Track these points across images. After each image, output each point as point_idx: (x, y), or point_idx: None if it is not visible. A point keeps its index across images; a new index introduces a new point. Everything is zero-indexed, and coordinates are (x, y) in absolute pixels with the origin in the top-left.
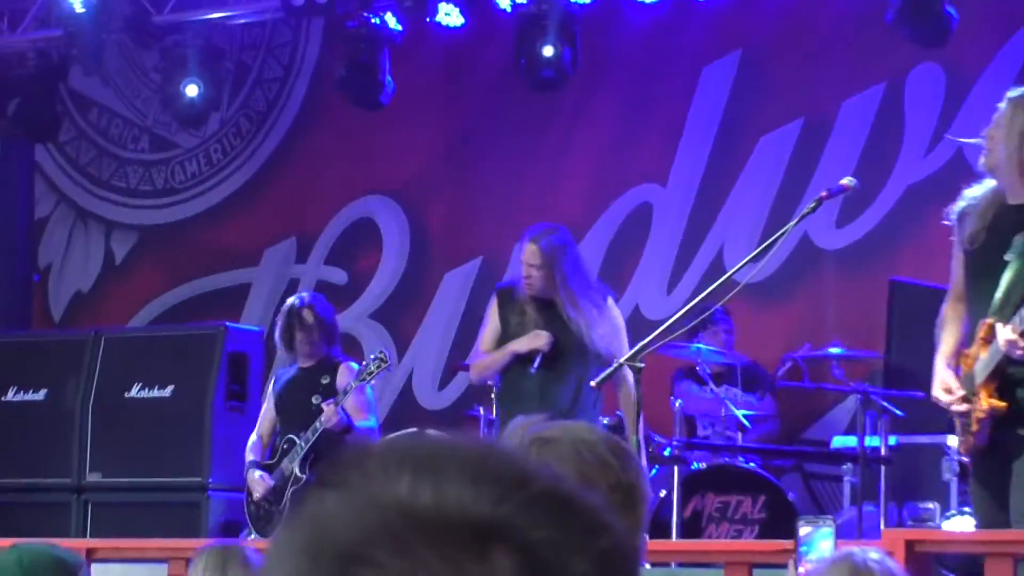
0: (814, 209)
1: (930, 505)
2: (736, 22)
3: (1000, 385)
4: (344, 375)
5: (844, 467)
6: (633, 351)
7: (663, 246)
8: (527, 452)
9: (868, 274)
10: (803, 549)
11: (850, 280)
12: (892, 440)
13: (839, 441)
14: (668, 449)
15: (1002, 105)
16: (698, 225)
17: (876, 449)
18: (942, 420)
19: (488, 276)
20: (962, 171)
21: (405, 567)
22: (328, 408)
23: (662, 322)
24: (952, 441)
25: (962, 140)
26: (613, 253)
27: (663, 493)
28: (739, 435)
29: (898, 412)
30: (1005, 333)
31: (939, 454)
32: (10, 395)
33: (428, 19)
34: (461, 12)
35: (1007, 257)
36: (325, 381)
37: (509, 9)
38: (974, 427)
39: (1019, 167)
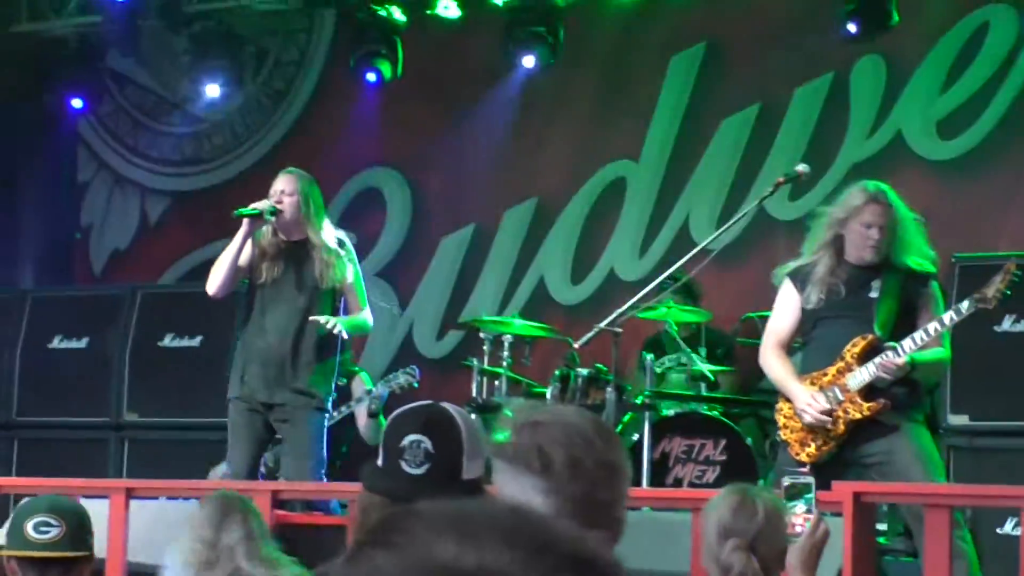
0: (772, 193)
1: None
2: (700, 16)
3: (867, 393)
4: (358, 385)
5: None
6: (612, 317)
7: (636, 215)
8: (521, 434)
9: None
10: (788, 503)
11: (801, 247)
12: None
13: None
14: (640, 398)
15: (882, 206)
16: (667, 197)
17: None
18: None
19: (479, 241)
20: (900, 152)
21: None
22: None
23: (635, 283)
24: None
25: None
26: (591, 221)
27: (635, 437)
28: (703, 386)
29: None
30: (894, 358)
31: None
32: (55, 343)
33: (428, 11)
34: (458, 5)
35: (873, 295)
36: (342, 382)
37: (501, 3)
38: (840, 430)
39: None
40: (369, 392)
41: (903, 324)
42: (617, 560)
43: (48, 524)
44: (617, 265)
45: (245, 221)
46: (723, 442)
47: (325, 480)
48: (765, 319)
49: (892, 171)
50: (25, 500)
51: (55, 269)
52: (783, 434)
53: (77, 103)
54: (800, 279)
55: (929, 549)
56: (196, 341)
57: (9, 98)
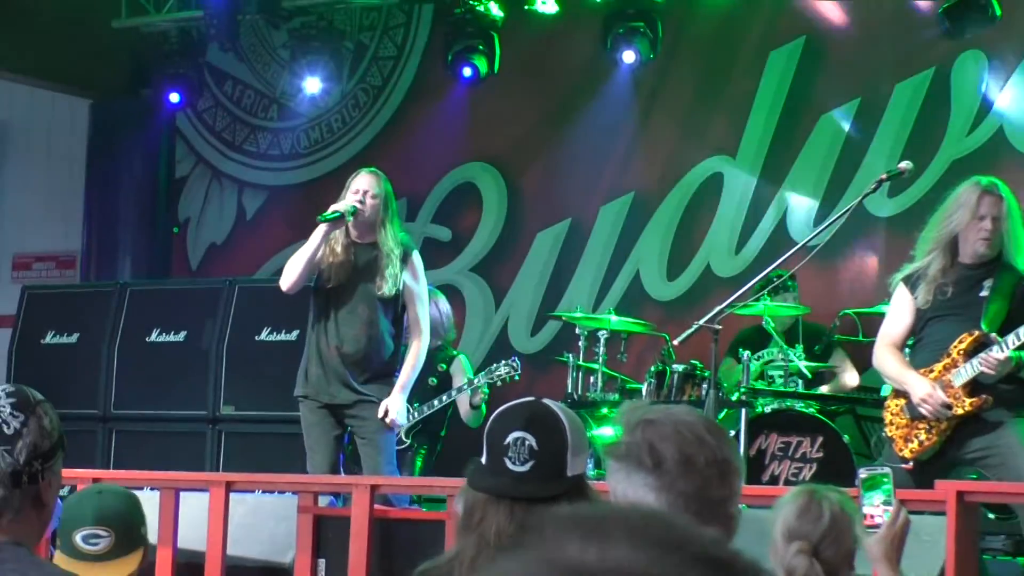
0: (875, 189)
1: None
2: (799, 11)
3: (972, 389)
4: (457, 369)
5: None
6: (712, 313)
7: (732, 211)
8: (634, 432)
9: (916, 239)
10: (865, 495)
11: (900, 244)
12: None
13: (888, 388)
14: (736, 394)
15: (995, 198)
16: (764, 193)
17: None
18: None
19: (575, 236)
20: (1003, 147)
21: None
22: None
23: (731, 279)
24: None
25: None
26: (687, 217)
27: (731, 433)
28: (800, 383)
29: None
30: (996, 353)
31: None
32: (153, 336)
33: (526, 6)
34: (555, 0)
35: (983, 294)
36: (442, 368)
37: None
38: (944, 425)
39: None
40: (471, 381)
41: (1013, 322)
42: (756, 562)
43: (96, 536)
44: (713, 261)
45: (321, 217)
46: (820, 439)
47: (399, 474)
48: (862, 315)
49: (993, 167)
50: (69, 503)
51: (153, 263)
52: (888, 430)
53: (175, 98)
54: (913, 282)
55: None
56: (293, 335)
57: (109, 93)
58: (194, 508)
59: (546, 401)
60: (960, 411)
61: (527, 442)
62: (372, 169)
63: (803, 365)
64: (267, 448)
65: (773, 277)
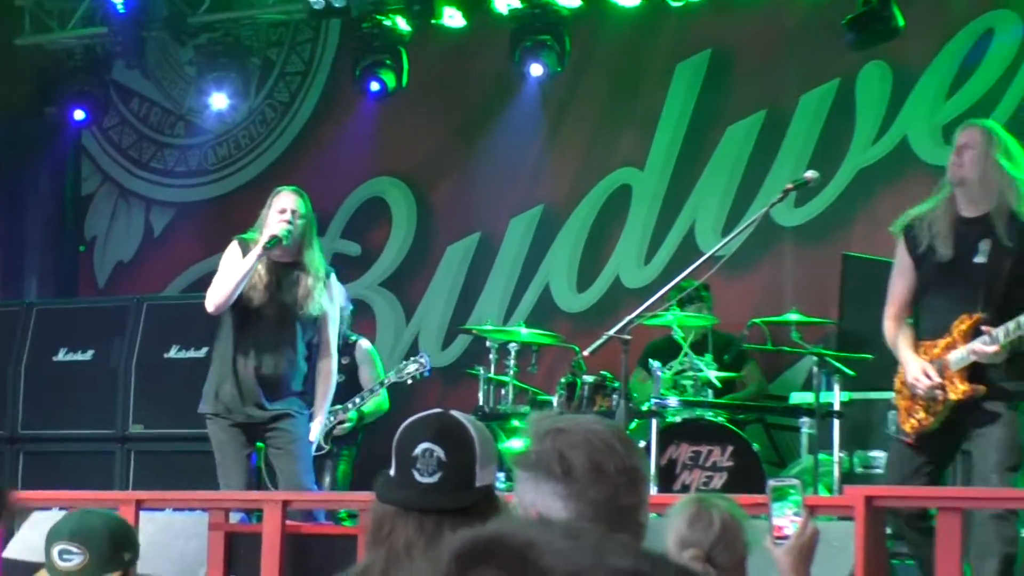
0: (781, 199)
1: (878, 454)
2: (706, 24)
3: (971, 373)
4: (364, 358)
5: (802, 420)
6: (622, 324)
7: (641, 223)
8: (543, 441)
9: (823, 249)
10: (774, 506)
11: (807, 254)
12: (845, 396)
13: (797, 397)
14: (647, 404)
15: (972, 128)
16: (672, 204)
17: (830, 404)
18: (888, 379)
19: (484, 249)
20: (908, 156)
21: None
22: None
23: (640, 290)
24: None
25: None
26: (596, 229)
27: (642, 443)
28: (710, 393)
29: (849, 372)
30: (986, 347)
31: (886, 408)
32: (60, 355)
33: (433, 20)
34: (463, 15)
35: (979, 260)
36: (345, 361)
37: (506, 12)
38: (939, 408)
39: (985, 187)
40: (382, 382)
41: (1010, 299)
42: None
43: (70, 552)
44: (622, 273)
45: (262, 243)
46: (730, 448)
47: (316, 489)
48: (771, 324)
49: (898, 176)
50: (57, 519)
51: (60, 281)
52: (896, 399)
53: (80, 115)
54: (912, 233)
55: (941, 552)
56: (202, 352)
57: (13, 111)
58: None
59: (454, 413)
60: (954, 396)
61: (435, 453)
62: (294, 188)
63: (713, 375)
64: (177, 466)
65: (684, 288)
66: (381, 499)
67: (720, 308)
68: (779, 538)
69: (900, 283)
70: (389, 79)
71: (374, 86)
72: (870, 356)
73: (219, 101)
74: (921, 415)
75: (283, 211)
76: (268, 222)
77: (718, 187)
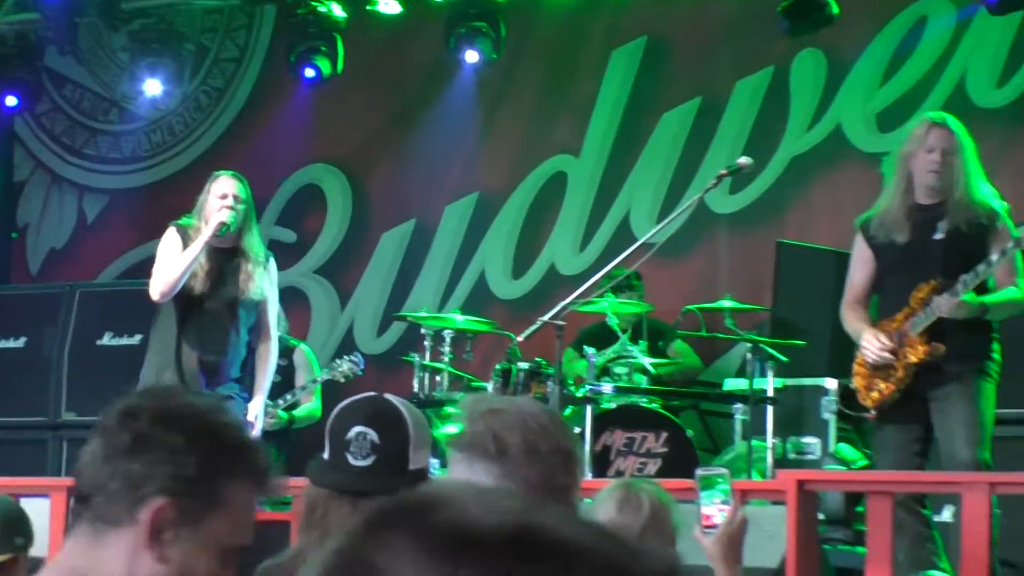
0: (715, 185)
1: (811, 440)
2: (641, 11)
3: (930, 336)
4: (301, 361)
5: (736, 406)
6: (556, 310)
7: (576, 210)
8: (477, 422)
9: (757, 236)
10: (702, 495)
11: (741, 241)
12: (778, 382)
13: (731, 383)
14: (582, 390)
15: (944, 130)
16: (607, 191)
17: (763, 390)
18: (821, 365)
19: (420, 237)
20: (842, 144)
21: None
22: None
23: (575, 277)
24: (831, 384)
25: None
26: (532, 216)
27: (577, 430)
28: (644, 379)
29: (783, 358)
30: (946, 299)
31: (819, 395)
32: None
33: (369, 6)
34: (398, 1)
35: (938, 237)
36: (283, 363)
37: None
38: (900, 374)
39: (950, 183)
40: (315, 380)
41: (969, 266)
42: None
43: None
44: (558, 260)
45: (212, 231)
46: (664, 435)
47: None
48: (706, 311)
49: (832, 164)
50: None
51: None
52: (854, 381)
53: (11, 101)
54: (870, 227)
55: (872, 535)
56: (136, 339)
57: None
58: (34, 515)
59: (388, 396)
60: (914, 359)
61: (368, 437)
62: (233, 173)
63: (647, 361)
64: None
65: (617, 275)
66: (315, 482)
67: (654, 295)
68: (708, 527)
69: (858, 273)
70: (324, 66)
71: (309, 72)
72: (803, 343)
73: (153, 87)
74: (882, 386)
75: (224, 196)
76: (209, 208)
77: (653, 174)
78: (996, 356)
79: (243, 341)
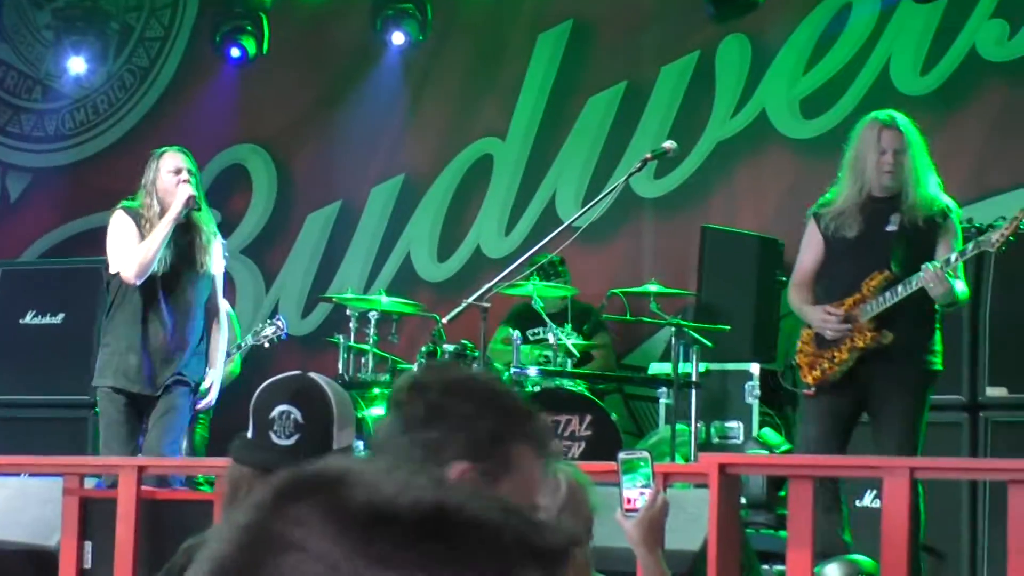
0: (640, 169)
1: (735, 424)
2: None
3: (878, 324)
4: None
5: (660, 390)
6: (481, 292)
7: (502, 193)
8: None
9: (682, 220)
10: (624, 478)
11: (666, 225)
12: (702, 367)
13: (656, 367)
14: (506, 373)
15: (895, 131)
16: (533, 174)
17: (688, 375)
18: (745, 350)
19: (345, 218)
20: (766, 129)
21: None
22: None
23: (501, 259)
24: (754, 369)
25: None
26: (458, 199)
27: None
28: (569, 362)
29: (707, 343)
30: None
31: (743, 380)
32: None
33: None
34: None
35: (891, 228)
36: None
37: None
38: (844, 355)
39: (902, 181)
40: (239, 346)
41: (919, 261)
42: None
43: None
44: (483, 242)
45: (182, 206)
46: (588, 418)
47: (181, 455)
48: (630, 295)
49: (756, 149)
50: None
51: None
52: (797, 358)
53: None
54: (823, 216)
55: (793, 519)
56: (58, 319)
57: None
58: None
59: (312, 375)
60: (860, 344)
61: (292, 415)
62: (179, 148)
63: (571, 344)
64: (32, 432)
65: (541, 260)
66: (238, 461)
67: (580, 278)
68: (629, 510)
69: (808, 256)
70: (250, 45)
71: (235, 52)
72: (727, 327)
73: (77, 65)
74: (826, 366)
75: (179, 171)
76: (163, 185)
77: (579, 158)
78: (938, 347)
79: (200, 317)
